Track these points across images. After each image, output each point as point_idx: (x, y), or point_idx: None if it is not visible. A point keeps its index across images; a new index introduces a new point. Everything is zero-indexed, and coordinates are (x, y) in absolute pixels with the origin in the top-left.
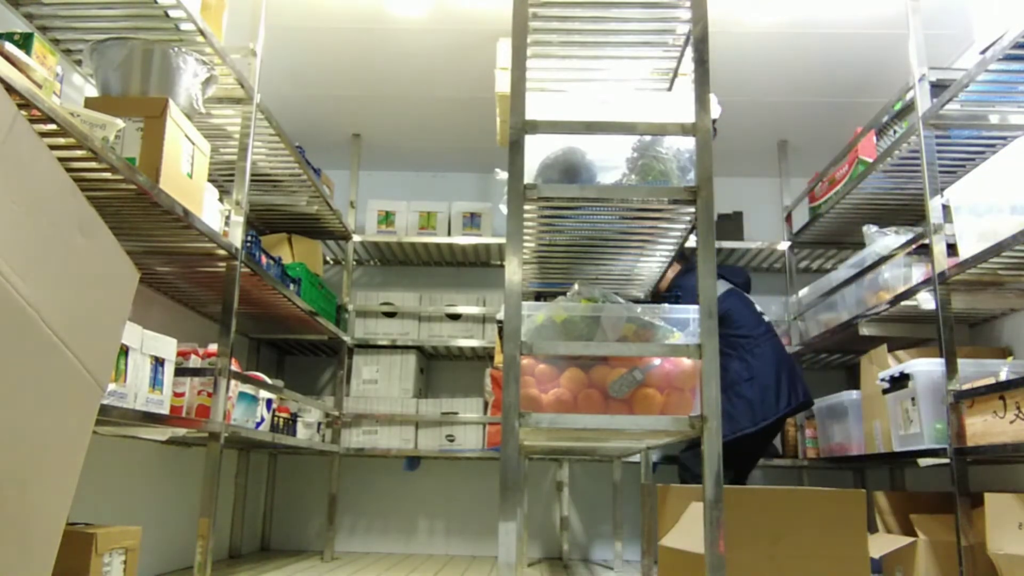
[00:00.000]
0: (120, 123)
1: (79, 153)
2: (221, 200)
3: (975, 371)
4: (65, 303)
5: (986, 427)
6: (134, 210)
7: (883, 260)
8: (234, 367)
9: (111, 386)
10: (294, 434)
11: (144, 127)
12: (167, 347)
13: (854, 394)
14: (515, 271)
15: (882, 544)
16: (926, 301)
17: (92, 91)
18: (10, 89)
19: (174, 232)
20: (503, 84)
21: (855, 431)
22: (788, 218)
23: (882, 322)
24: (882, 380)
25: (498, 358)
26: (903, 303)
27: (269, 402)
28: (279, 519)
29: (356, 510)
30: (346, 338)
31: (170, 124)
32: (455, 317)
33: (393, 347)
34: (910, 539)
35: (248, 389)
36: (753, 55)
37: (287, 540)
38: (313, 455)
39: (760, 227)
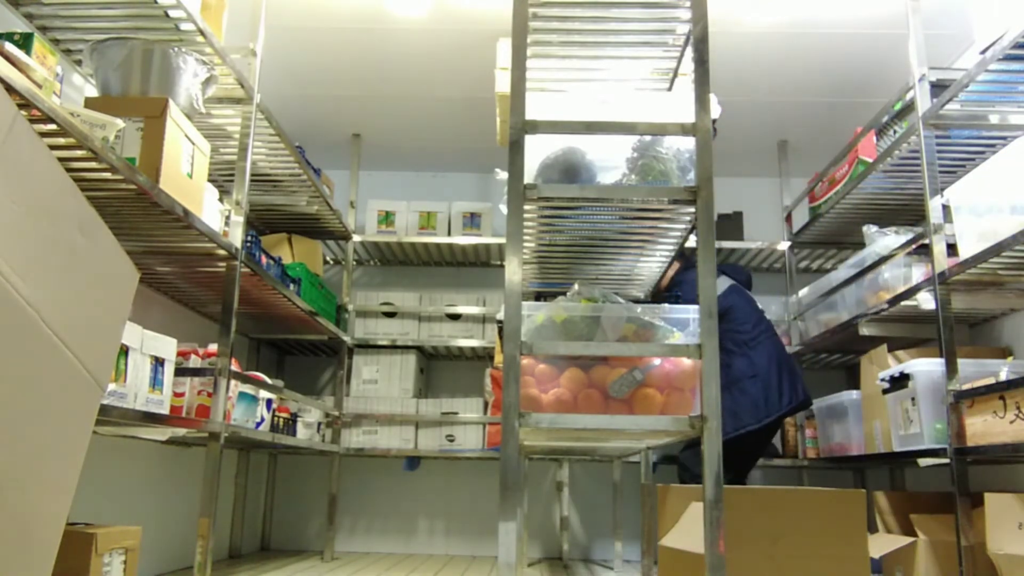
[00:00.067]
0: (120, 123)
1: (79, 153)
2: (221, 200)
3: (975, 371)
4: (65, 303)
5: (986, 427)
6: (134, 210)
7: (883, 260)
8: (234, 367)
9: (111, 386)
10: (294, 434)
11: (144, 127)
12: (167, 347)
13: (854, 394)
14: (515, 271)
15: (882, 544)
16: (926, 301)
17: (92, 91)
18: (10, 89)
19: (174, 232)
20: (503, 84)
21: (855, 431)
22: (788, 218)
23: (882, 322)
24: (882, 380)
25: (498, 358)
26: (903, 303)
27: (269, 402)
28: (279, 519)
29: (356, 510)
30: (346, 338)
31: (170, 124)
32: (455, 317)
33: (393, 347)
34: (910, 539)
35: (248, 389)
36: (753, 55)
37: (287, 540)
38: (313, 455)
39: (760, 227)
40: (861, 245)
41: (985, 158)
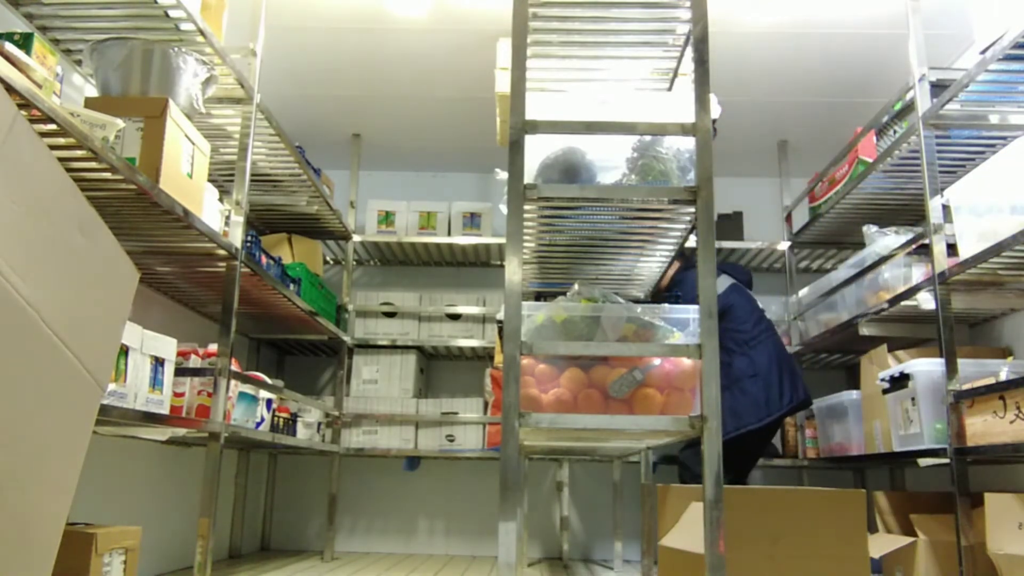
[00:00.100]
0: (120, 123)
1: (79, 153)
2: (221, 200)
3: (975, 371)
4: (65, 303)
5: (986, 427)
6: (134, 210)
7: (883, 260)
8: (234, 367)
9: (111, 386)
10: (294, 434)
11: (144, 127)
12: (167, 347)
13: (854, 394)
14: (515, 271)
15: (882, 544)
16: (926, 301)
17: (92, 91)
18: (10, 89)
19: (174, 232)
20: (503, 84)
21: (855, 431)
22: (788, 218)
23: (882, 322)
24: (882, 380)
25: (498, 358)
26: (903, 303)
27: (269, 402)
28: (279, 519)
29: (356, 510)
30: (346, 338)
31: (170, 124)
32: (455, 317)
33: (393, 347)
34: (910, 539)
35: (248, 389)
36: (753, 55)
37: (287, 540)
38: (313, 455)
39: (760, 227)
40: (861, 245)
41: (985, 158)
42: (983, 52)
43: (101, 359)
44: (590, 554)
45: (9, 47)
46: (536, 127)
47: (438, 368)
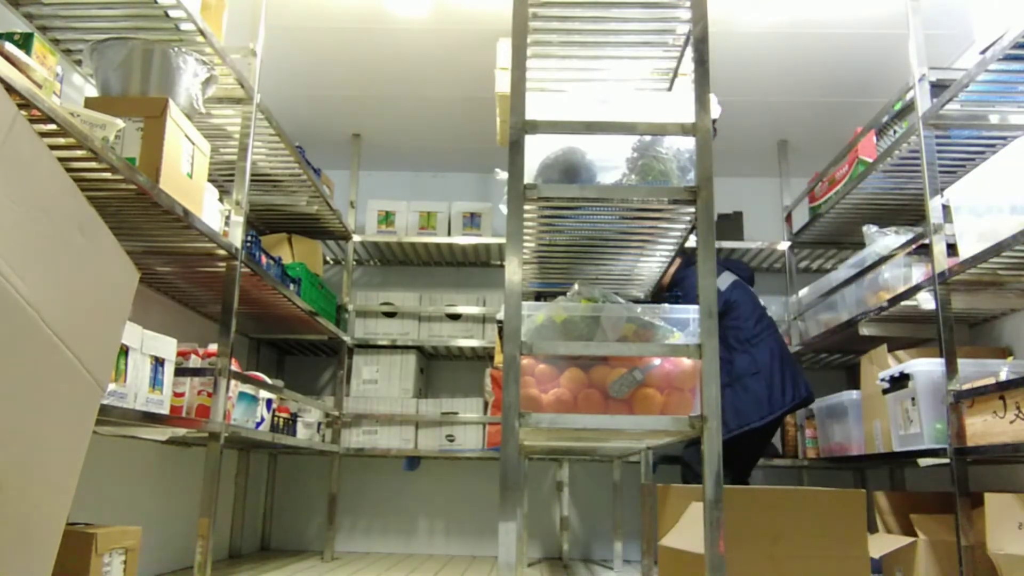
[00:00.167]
0: (120, 123)
1: (79, 153)
2: (221, 200)
3: (975, 371)
4: (65, 303)
5: (986, 427)
6: (134, 210)
7: (883, 260)
8: (234, 367)
9: (111, 386)
10: (294, 434)
11: (144, 127)
12: (167, 347)
13: (854, 394)
14: (515, 271)
15: (882, 544)
16: (926, 301)
17: (92, 91)
18: (10, 89)
19: (174, 232)
20: (503, 84)
21: (855, 431)
22: (788, 218)
23: (882, 322)
24: (882, 380)
25: (498, 358)
26: (903, 303)
27: (269, 402)
28: (279, 519)
29: (356, 510)
30: (346, 338)
31: (170, 124)
32: (455, 317)
33: (393, 347)
34: (910, 539)
35: (248, 389)
36: (753, 55)
37: (287, 540)
38: (313, 455)
39: (760, 227)
40: (861, 245)
41: (985, 158)
42: (983, 52)
43: (101, 359)
44: (590, 554)
45: (9, 47)
46: (536, 127)
47: (438, 368)
